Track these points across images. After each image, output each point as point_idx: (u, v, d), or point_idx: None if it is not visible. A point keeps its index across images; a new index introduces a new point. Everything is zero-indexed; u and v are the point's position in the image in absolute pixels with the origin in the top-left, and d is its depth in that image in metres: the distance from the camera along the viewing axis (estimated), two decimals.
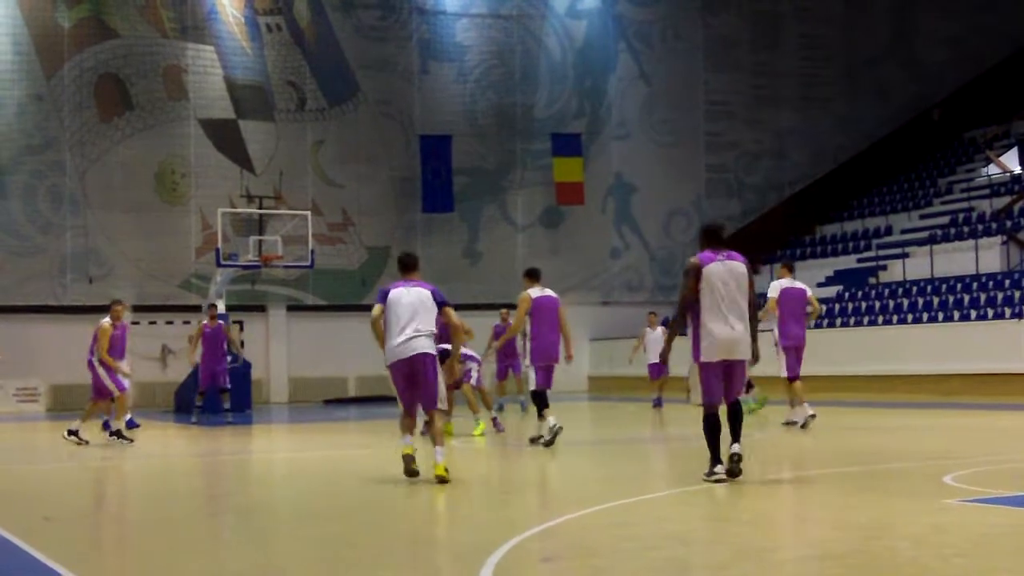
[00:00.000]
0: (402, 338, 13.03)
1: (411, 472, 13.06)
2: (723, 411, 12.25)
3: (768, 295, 19.51)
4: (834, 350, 31.65)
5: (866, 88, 44.18)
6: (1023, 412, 23.40)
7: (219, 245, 31.65)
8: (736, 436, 12.08)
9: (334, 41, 38.43)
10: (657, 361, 27.35)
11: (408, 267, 13.93)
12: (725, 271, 12.06)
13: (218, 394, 26.10)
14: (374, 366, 36.71)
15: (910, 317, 31.84)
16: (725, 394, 12.15)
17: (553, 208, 40.25)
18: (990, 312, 29.81)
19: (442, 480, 12.72)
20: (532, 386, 17.39)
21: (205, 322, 26.17)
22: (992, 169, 39.85)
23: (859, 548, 8.67)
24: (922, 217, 38.99)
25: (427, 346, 13.04)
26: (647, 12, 42.09)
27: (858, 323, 32.81)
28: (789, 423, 19.93)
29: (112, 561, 9.36)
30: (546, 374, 17.50)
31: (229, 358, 26.25)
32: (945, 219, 37.46)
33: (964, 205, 37.88)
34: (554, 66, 40.94)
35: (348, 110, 38.49)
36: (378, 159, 38.63)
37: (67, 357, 25.55)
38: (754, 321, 12.20)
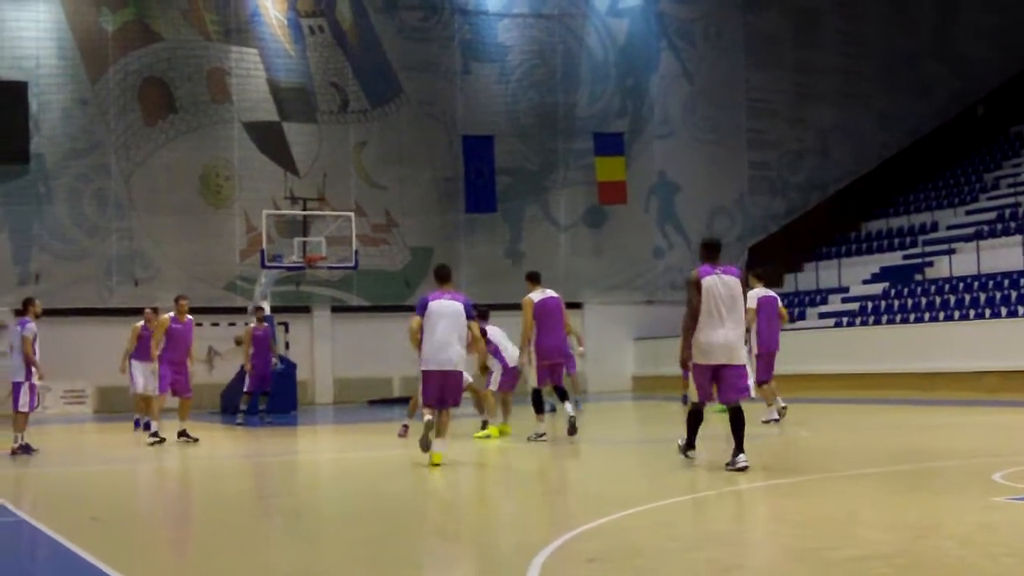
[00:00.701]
0: (439, 348, 14.75)
1: (427, 443, 14.65)
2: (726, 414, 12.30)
3: (747, 305, 19.65)
4: (880, 347, 31.50)
5: (908, 84, 43.93)
6: None
7: (263, 247, 31.81)
8: (739, 445, 13.11)
9: (376, 42, 38.54)
10: None
11: (443, 278, 15.15)
12: (721, 284, 13.19)
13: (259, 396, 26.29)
14: (415, 367, 36.98)
15: (957, 314, 31.60)
16: (722, 396, 13.33)
17: (596, 208, 40.20)
18: None
19: (436, 465, 14.50)
20: (533, 383, 18.14)
21: (253, 325, 26.46)
22: None
23: (907, 548, 8.61)
24: (968, 213, 38.71)
25: (459, 362, 14.86)
26: (689, 10, 41.99)
27: (904, 320, 32.60)
28: (769, 421, 20.28)
29: (158, 562, 9.41)
30: (549, 373, 18.23)
31: (275, 360, 26.38)
32: (991, 215, 37.18)
33: (1011, 200, 37.57)
34: (596, 65, 40.89)
35: (391, 111, 38.58)
36: (421, 160, 38.70)
37: (114, 359, 25.64)
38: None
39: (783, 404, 20.61)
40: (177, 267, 35.88)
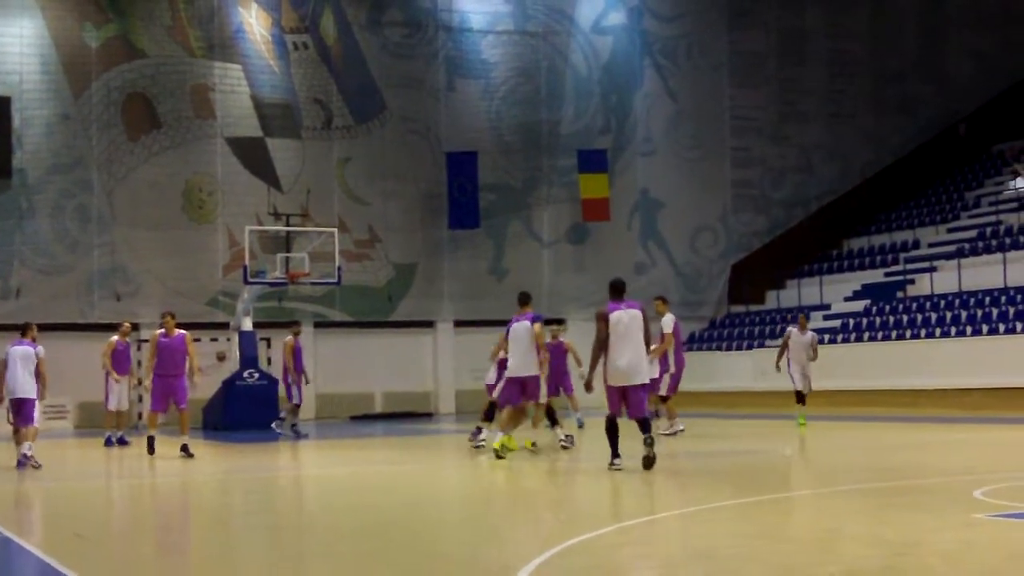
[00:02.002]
0: (519, 359, 18.61)
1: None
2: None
3: (664, 330, 22.29)
4: (862, 364, 31.60)
5: (892, 103, 44.12)
6: None
7: (246, 262, 31.75)
8: (647, 431, 15.43)
9: (360, 59, 38.56)
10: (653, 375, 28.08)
11: (524, 302, 19.57)
12: (626, 317, 15.52)
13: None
14: (401, 382, 37.09)
15: (938, 331, 31.71)
16: (629, 411, 15.53)
17: (579, 224, 40.26)
18: (1018, 326, 29.68)
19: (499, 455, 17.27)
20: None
21: (288, 338, 26.96)
22: (1019, 182, 39.68)
23: (890, 564, 8.63)
24: (949, 231, 38.86)
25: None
26: (673, 28, 42.12)
27: (886, 337, 32.69)
28: (671, 434, 22.09)
29: None
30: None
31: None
32: (973, 233, 37.33)
33: (992, 219, 37.73)
34: (580, 82, 40.98)
35: (374, 127, 38.60)
36: (404, 176, 38.71)
37: (95, 375, 25.59)
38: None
39: (681, 427, 22.74)
40: (159, 282, 35.81)
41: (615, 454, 15.62)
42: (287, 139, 37.57)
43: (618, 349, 15.38)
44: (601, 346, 15.47)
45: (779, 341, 36.67)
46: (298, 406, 27.01)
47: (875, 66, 44.11)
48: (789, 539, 9.98)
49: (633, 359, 15.43)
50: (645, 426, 15.37)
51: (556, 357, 26.14)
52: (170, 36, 36.59)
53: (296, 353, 26.61)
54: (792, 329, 26.08)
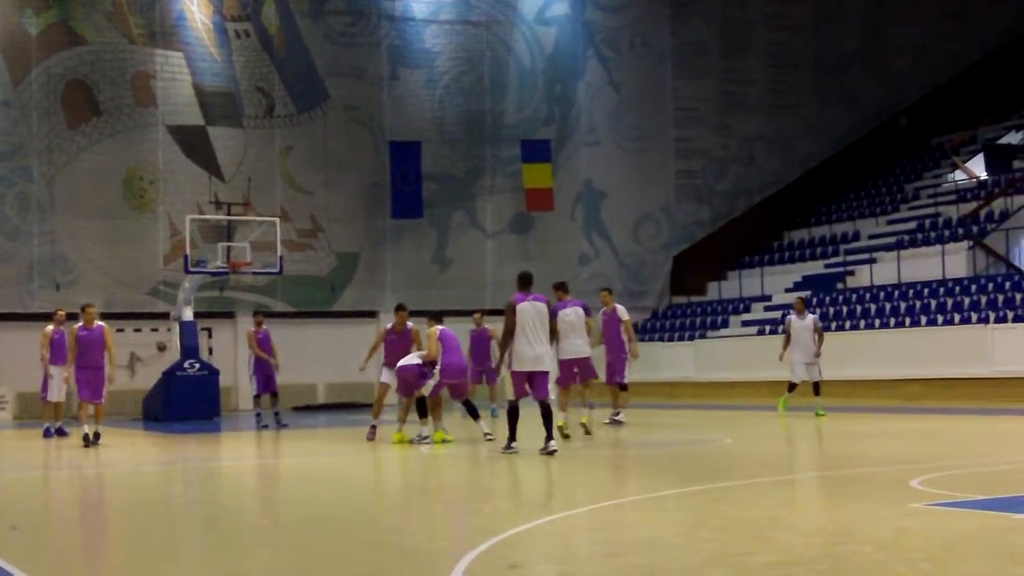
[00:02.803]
0: (572, 342, 20.09)
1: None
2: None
3: (622, 318, 23.40)
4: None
5: (834, 95, 44.44)
6: (989, 416, 23.56)
7: (187, 252, 31.55)
8: (549, 433, 16.47)
9: (303, 47, 38.37)
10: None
11: (562, 287, 20.68)
12: (532, 308, 16.57)
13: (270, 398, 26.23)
14: (343, 373, 36.98)
15: (877, 322, 32.01)
16: (533, 394, 16.63)
17: (523, 214, 40.29)
18: (956, 317, 30.02)
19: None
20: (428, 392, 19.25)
21: (253, 328, 26.38)
22: (958, 175, 40.12)
23: (827, 553, 8.72)
24: (889, 223, 39.20)
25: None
26: (616, 19, 42.20)
27: (826, 328, 32.82)
28: (617, 422, 22.83)
29: (80, 571, 9.32)
30: (452, 389, 19.66)
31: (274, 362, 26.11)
32: (912, 224, 37.67)
33: (931, 211, 38.11)
34: (523, 72, 40.99)
35: (317, 116, 38.43)
36: (347, 165, 38.59)
37: (34, 365, 25.37)
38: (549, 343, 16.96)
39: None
40: (99, 271, 35.51)
41: (512, 438, 16.67)
42: (229, 128, 37.34)
43: (525, 338, 16.43)
44: (510, 335, 16.50)
45: (720, 332, 37.03)
46: (259, 397, 26.29)
47: (817, 57, 44.40)
48: (728, 528, 10.05)
49: (539, 347, 16.52)
50: (548, 410, 16.56)
51: (481, 344, 26.78)
52: (111, 23, 36.25)
53: (262, 342, 26.07)
54: (791, 316, 25.19)
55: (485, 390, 27.91)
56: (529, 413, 17.23)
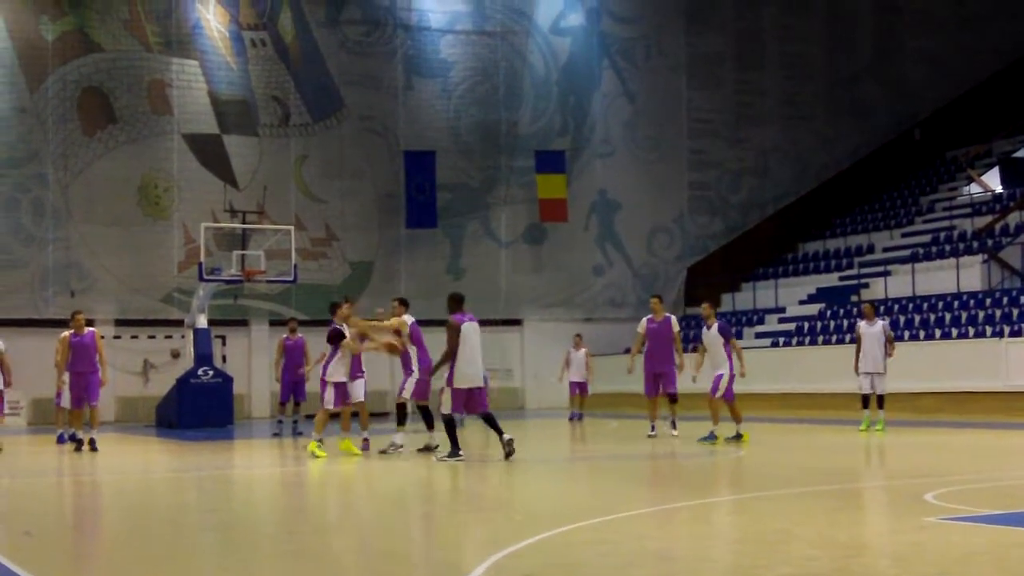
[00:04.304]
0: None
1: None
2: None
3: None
4: (816, 367, 31.75)
5: (848, 107, 44.39)
6: (1003, 431, 23.48)
7: (202, 260, 31.59)
8: (499, 430, 17.51)
9: (319, 56, 38.46)
10: (578, 380, 28.54)
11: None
12: (472, 328, 17.62)
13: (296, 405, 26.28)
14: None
15: (892, 335, 31.90)
16: (475, 408, 17.71)
17: (536, 225, 40.31)
18: (971, 331, 29.94)
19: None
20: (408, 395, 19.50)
21: (286, 335, 26.52)
22: (973, 188, 40.03)
23: (841, 566, 8.69)
24: (904, 235, 39.13)
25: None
26: (631, 30, 42.23)
27: (840, 341, 32.85)
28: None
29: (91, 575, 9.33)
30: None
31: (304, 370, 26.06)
32: (926, 237, 37.60)
33: (945, 224, 38.03)
34: (538, 83, 41.03)
35: (332, 125, 38.51)
36: (362, 174, 38.65)
37: (48, 370, 25.42)
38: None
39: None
40: (114, 278, 35.60)
41: (456, 448, 17.45)
42: (244, 136, 37.44)
43: (466, 355, 17.34)
44: (453, 353, 17.31)
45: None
46: (284, 404, 26.28)
47: (831, 69, 44.36)
48: (742, 540, 10.03)
49: (478, 365, 17.57)
50: (490, 415, 17.65)
51: None
52: (127, 31, 36.37)
53: (287, 351, 26.05)
54: (861, 323, 23.74)
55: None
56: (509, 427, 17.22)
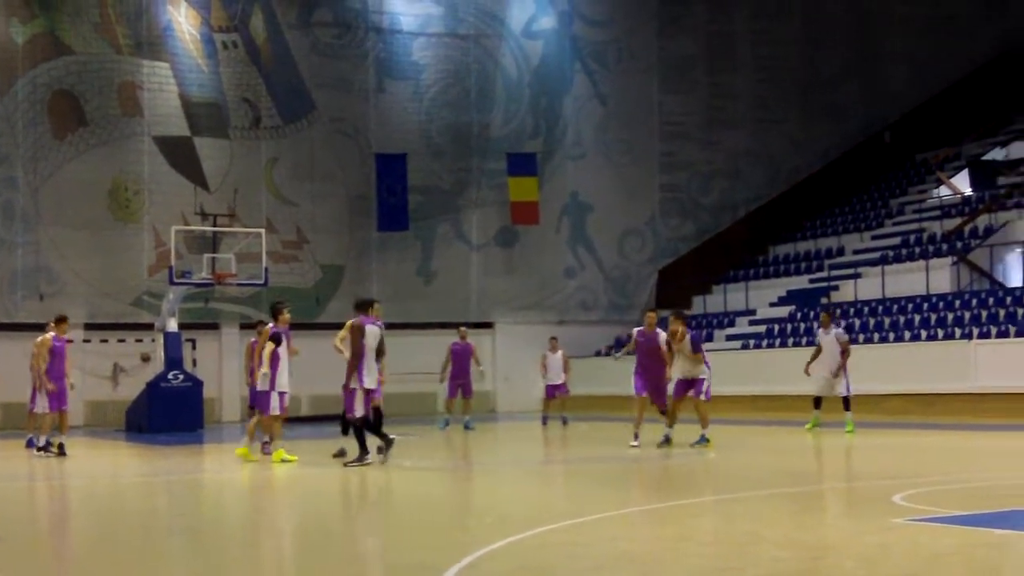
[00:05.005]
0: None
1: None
2: None
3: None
4: (786, 369, 31.80)
5: (819, 110, 44.53)
6: (971, 432, 23.62)
7: (172, 263, 31.51)
8: (383, 437, 17.89)
9: (290, 59, 38.38)
10: (556, 382, 28.39)
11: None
12: (376, 331, 17.81)
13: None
14: (328, 385, 36.88)
15: (861, 337, 32.05)
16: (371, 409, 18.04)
17: (508, 227, 40.32)
18: (940, 333, 30.11)
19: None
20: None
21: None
22: (943, 191, 40.26)
23: (808, 568, 8.74)
24: (874, 238, 39.31)
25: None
26: (603, 33, 42.29)
27: (810, 343, 32.82)
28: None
29: None
30: (682, 388, 20.95)
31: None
32: (896, 240, 37.78)
33: (915, 226, 38.22)
34: (510, 85, 41.05)
35: (303, 128, 38.44)
36: (333, 177, 38.59)
37: (18, 375, 25.31)
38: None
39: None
40: (84, 282, 35.44)
41: (364, 451, 17.64)
42: (215, 138, 37.32)
43: (370, 359, 17.67)
44: (359, 355, 17.60)
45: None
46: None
47: (803, 72, 44.49)
48: (710, 542, 10.07)
49: (373, 368, 17.80)
50: (379, 415, 18.46)
51: (463, 359, 26.99)
52: (98, 33, 36.23)
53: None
54: (819, 331, 24.95)
55: (459, 403, 28.18)
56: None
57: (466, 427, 27.50)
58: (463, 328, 28.83)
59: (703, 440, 20.49)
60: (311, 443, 26.49)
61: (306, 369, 36.53)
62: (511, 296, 40.42)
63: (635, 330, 21.94)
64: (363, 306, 18.13)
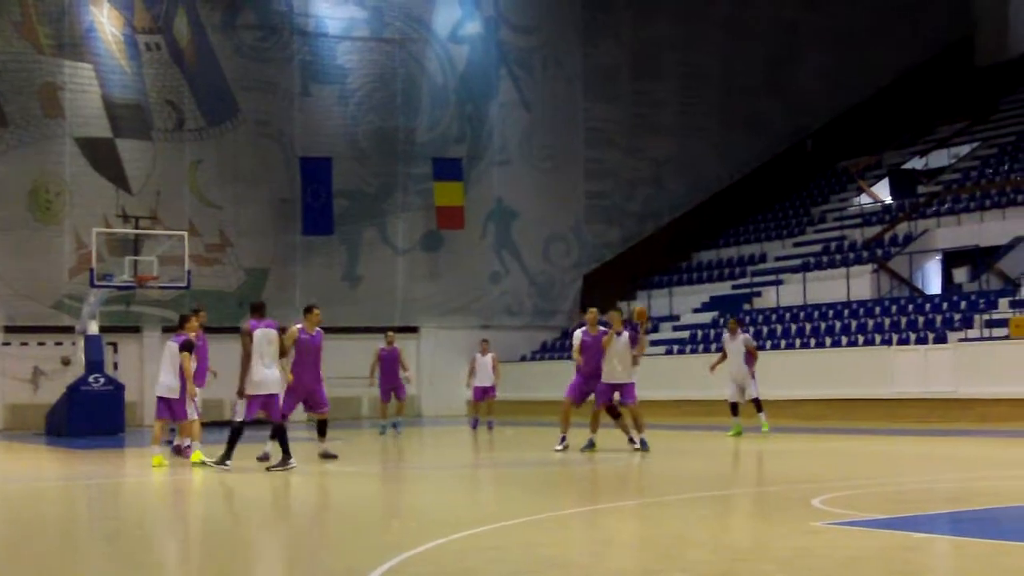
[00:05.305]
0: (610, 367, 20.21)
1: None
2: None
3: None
4: (708, 375, 32.07)
5: (742, 118, 44.95)
6: (891, 437, 23.93)
7: (93, 265, 31.16)
8: (287, 450, 17.52)
9: (214, 61, 38.12)
10: (484, 385, 28.49)
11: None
12: (265, 335, 17.52)
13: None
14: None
15: (783, 343, 32.40)
16: (271, 416, 17.68)
17: (433, 232, 40.30)
18: (860, 339, 30.47)
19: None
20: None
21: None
22: (863, 199, 40.76)
23: (729, 570, 8.82)
24: (795, 245, 39.72)
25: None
26: (528, 39, 42.42)
27: None
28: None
29: None
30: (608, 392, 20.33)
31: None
32: (817, 247, 38.20)
33: (836, 234, 38.67)
34: (436, 90, 41.03)
35: (227, 130, 38.20)
36: (257, 180, 38.38)
37: None
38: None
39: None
40: (3, 284, 35.00)
41: (228, 455, 17.52)
42: (137, 140, 37.00)
43: (259, 362, 17.38)
44: (248, 359, 17.36)
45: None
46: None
47: (725, 81, 44.91)
48: (634, 545, 10.13)
49: (270, 371, 17.51)
50: (282, 428, 17.61)
51: (391, 363, 27.17)
52: (19, 33, 35.79)
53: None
54: (725, 336, 25.38)
55: (392, 406, 28.08)
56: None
57: (394, 427, 27.68)
58: (390, 333, 28.82)
59: (643, 446, 20.05)
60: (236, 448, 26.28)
61: (230, 373, 36.50)
62: (436, 301, 40.40)
63: (579, 331, 21.09)
64: (256, 309, 17.91)
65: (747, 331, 26.89)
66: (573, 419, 20.98)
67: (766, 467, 17.94)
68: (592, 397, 20.64)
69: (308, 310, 19.22)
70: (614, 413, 20.52)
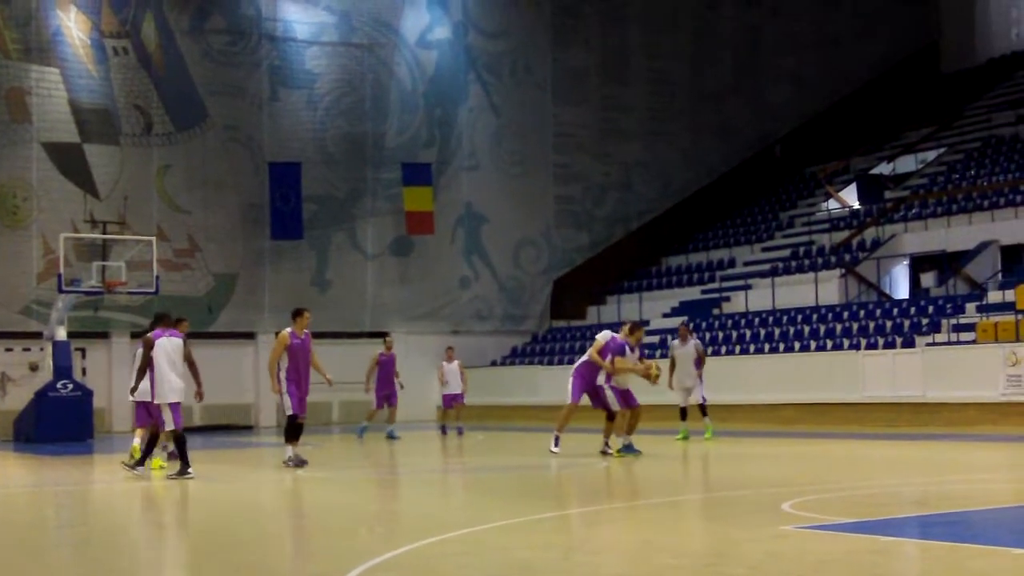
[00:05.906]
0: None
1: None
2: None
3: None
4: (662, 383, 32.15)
5: (710, 123, 45.13)
6: (859, 441, 24.04)
7: (61, 271, 31.04)
8: (186, 459, 17.55)
9: (182, 66, 37.99)
10: (453, 392, 28.55)
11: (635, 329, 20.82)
12: (169, 343, 17.75)
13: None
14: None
15: (752, 348, 32.50)
16: (176, 423, 17.73)
17: (403, 237, 40.27)
18: (829, 343, 30.59)
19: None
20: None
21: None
22: (832, 204, 40.95)
23: (698, 575, 8.84)
24: (764, 250, 39.86)
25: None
26: (497, 44, 42.45)
27: None
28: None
29: None
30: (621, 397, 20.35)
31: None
32: (786, 252, 38.34)
33: (804, 239, 38.82)
34: (405, 95, 41.01)
35: (196, 135, 38.07)
36: (226, 185, 38.26)
37: None
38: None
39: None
40: None
41: (187, 463, 17.54)
42: (105, 145, 36.82)
43: (164, 370, 17.63)
44: (147, 368, 17.79)
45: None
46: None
47: (694, 86, 45.07)
48: (603, 550, 10.14)
49: (177, 379, 17.72)
50: (183, 438, 17.78)
51: (388, 369, 27.17)
52: None
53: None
54: (674, 343, 25.21)
55: (384, 413, 28.27)
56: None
57: (389, 436, 27.52)
58: (389, 338, 28.88)
59: (630, 450, 20.19)
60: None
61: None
62: (406, 306, 40.36)
63: (610, 335, 21.38)
64: (160, 319, 18.27)
65: (695, 336, 26.68)
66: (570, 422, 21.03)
67: (736, 471, 17.98)
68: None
69: (299, 313, 19.39)
70: (611, 415, 20.43)
